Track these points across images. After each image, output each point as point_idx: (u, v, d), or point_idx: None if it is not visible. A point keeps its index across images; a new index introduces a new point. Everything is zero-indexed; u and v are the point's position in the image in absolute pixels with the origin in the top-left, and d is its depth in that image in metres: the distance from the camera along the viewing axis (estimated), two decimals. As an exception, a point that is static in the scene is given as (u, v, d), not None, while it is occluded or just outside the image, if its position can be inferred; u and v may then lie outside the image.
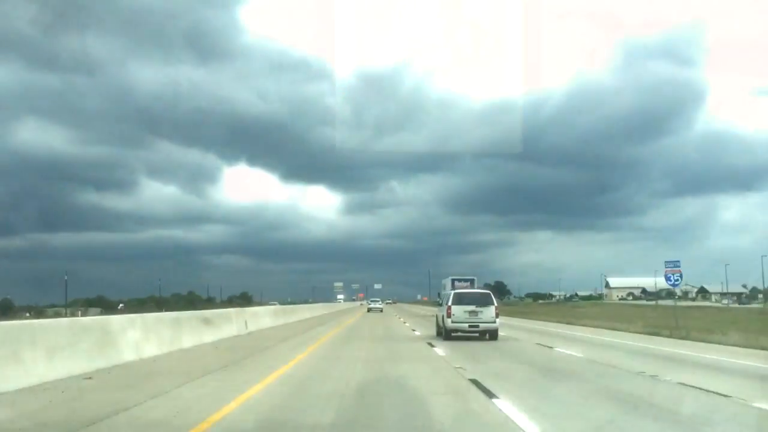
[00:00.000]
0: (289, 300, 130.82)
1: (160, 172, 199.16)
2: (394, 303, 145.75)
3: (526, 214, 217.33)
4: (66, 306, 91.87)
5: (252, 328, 24.13)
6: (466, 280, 40.46)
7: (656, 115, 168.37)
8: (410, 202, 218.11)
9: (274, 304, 71.49)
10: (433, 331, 24.21)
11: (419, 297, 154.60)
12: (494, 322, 20.31)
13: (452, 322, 20.29)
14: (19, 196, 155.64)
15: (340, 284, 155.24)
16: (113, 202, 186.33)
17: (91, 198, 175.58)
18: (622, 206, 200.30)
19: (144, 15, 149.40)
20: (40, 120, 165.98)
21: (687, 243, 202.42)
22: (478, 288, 35.26)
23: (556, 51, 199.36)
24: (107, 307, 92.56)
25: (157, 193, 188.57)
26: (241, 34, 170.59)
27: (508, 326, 31.74)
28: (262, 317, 27.01)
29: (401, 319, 43.79)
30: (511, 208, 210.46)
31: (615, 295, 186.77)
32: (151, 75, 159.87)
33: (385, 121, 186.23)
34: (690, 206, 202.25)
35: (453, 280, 40.49)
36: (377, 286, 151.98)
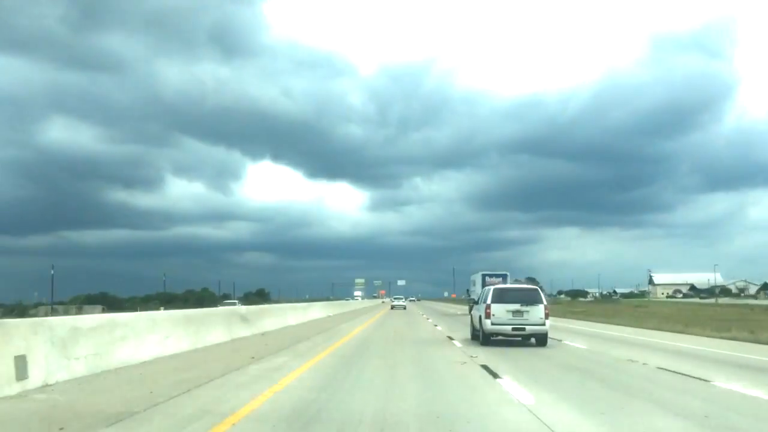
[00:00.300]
0: (306, 297, 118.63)
1: (185, 169, 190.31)
2: (418, 300, 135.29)
3: (553, 210, 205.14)
4: (52, 303, 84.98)
5: (82, 369, 9.60)
6: (497, 276, 37.55)
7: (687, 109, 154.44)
8: (434, 199, 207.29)
9: (234, 304, 52.14)
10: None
11: (446, 294, 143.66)
12: (543, 324, 17.17)
13: (492, 323, 17.25)
14: (47, 194, 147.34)
15: (361, 280, 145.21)
16: (138, 199, 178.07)
17: (115, 196, 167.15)
18: (651, 202, 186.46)
19: (167, 12, 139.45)
20: (68, 118, 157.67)
21: (723, 239, 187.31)
22: (511, 284, 30.98)
23: (584, 45, 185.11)
24: (111, 304, 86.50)
25: (182, 191, 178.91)
26: (266, 30, 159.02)
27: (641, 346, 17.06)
28: (136, 336, 12.12)
29: (433, 323, 32.06)
30: (538, 205, 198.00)
31: (660, 293, 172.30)
32: (177, 73, 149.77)
33: (410, 118, 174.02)
34: (723, 201, 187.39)
35: (484, 276, 37.69)
36: (401, 283, 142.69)
